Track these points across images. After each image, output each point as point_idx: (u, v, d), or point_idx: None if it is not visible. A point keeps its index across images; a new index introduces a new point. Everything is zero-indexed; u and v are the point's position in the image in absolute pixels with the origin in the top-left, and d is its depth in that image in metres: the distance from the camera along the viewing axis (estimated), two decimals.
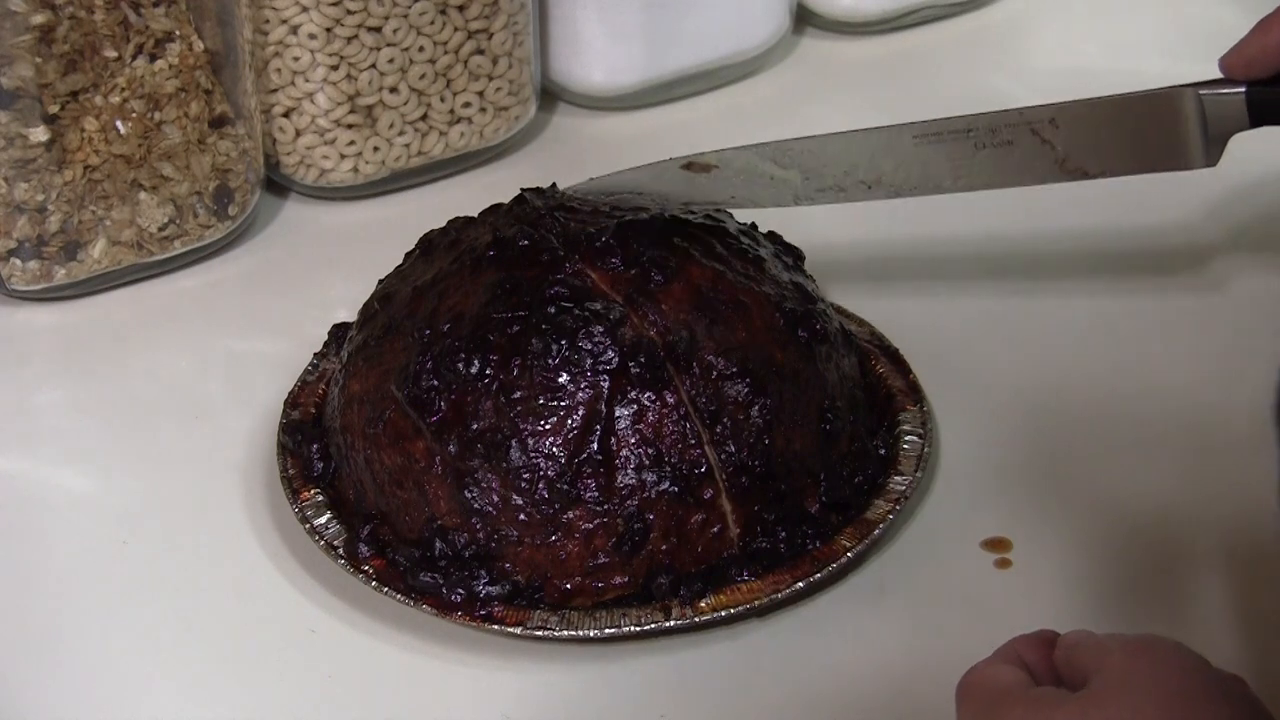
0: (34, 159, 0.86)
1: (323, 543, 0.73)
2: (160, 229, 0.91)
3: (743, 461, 0.70)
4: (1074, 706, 0.53)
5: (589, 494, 0.69)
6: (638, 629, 0.68)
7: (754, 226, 0.79)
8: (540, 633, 0.69)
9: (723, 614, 0.69)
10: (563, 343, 0.71)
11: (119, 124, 0.87)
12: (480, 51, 0.98)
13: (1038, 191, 0.98)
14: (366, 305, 0.78)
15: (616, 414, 0.70)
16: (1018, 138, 0.68)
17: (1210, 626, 0.70)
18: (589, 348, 0.71)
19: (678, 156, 0.71)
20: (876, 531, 0.72)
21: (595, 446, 0.70)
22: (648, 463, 0.70)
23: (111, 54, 0.86)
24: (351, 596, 0.72)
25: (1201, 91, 0.65)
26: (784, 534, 0.71)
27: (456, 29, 0.96)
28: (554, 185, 0.81)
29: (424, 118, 0.98)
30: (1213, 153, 0.66)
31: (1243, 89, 0.64)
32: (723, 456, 0.70)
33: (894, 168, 0.70)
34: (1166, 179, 0.69)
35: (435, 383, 0.71)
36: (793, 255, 0.80)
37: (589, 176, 0.82)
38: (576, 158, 1.04)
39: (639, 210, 0.77)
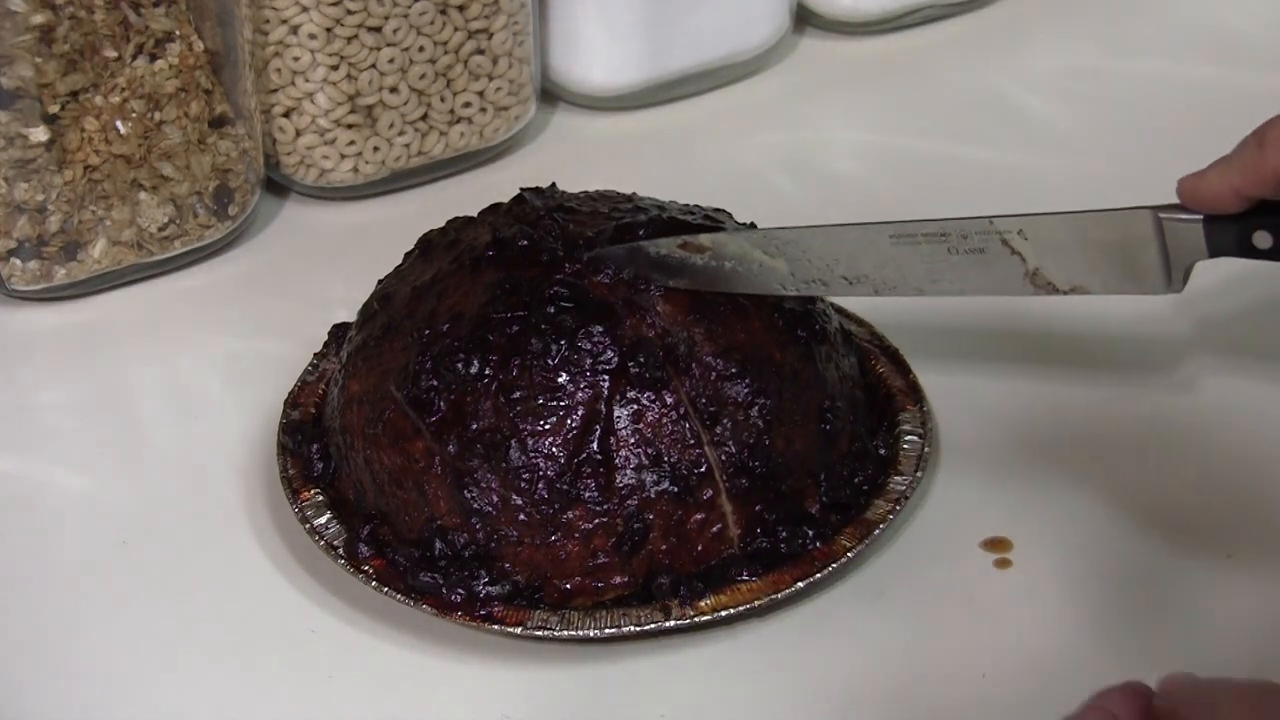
0: (34, 159, 0.86)
1: (323, 543, 0.73)
2: (160, 229, 0.91)
3: (743, 462, 0.70)
4: None
5: (589, 494, 0.69)
6: (638, 629, 0.68)
7: (753, 226, 0.79)
8: (540, 633, 0.69)
9: (723, 614, 0.69)
10: (562, 343, 0.71)
11: (119, 124, 0.88)
12: (480, 51, 0.98)
13: (1035, 189, 0.98)
14: (366, 305, 0.78)
15: (616, 414, 0.70)
16: (989, 246, 0.68)
17: (1210, 626, 0.70)
18: (588, 348, 0.71)
19: (675, 238, 0.72)
20: (876, 531, 0.72)
21: (595, 446, 0.70)
22: (647, 463, 0.70)
23: (111, 54, 0.86)
24: (351, 596, 0.72)
25: (1161, 215, 0.65)
26: (784, 534, 0.71)
27: (456, 29, 0.96)
28: (553, 185, 0.81)
29: (424, 118, 0.98)
30: (1175, 279, 0.65)
31: (1200, 218, 0.64)
32: (723, 457, 0.70)
33: (873, 267, 0.71)
34: None
35: (435, 383, 0.71)
36: None
37: (589, 177, 0.83)
38: (576, 158, 1.04)
39: (637, 212, 0.77)
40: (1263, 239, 0.63)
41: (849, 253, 0.71)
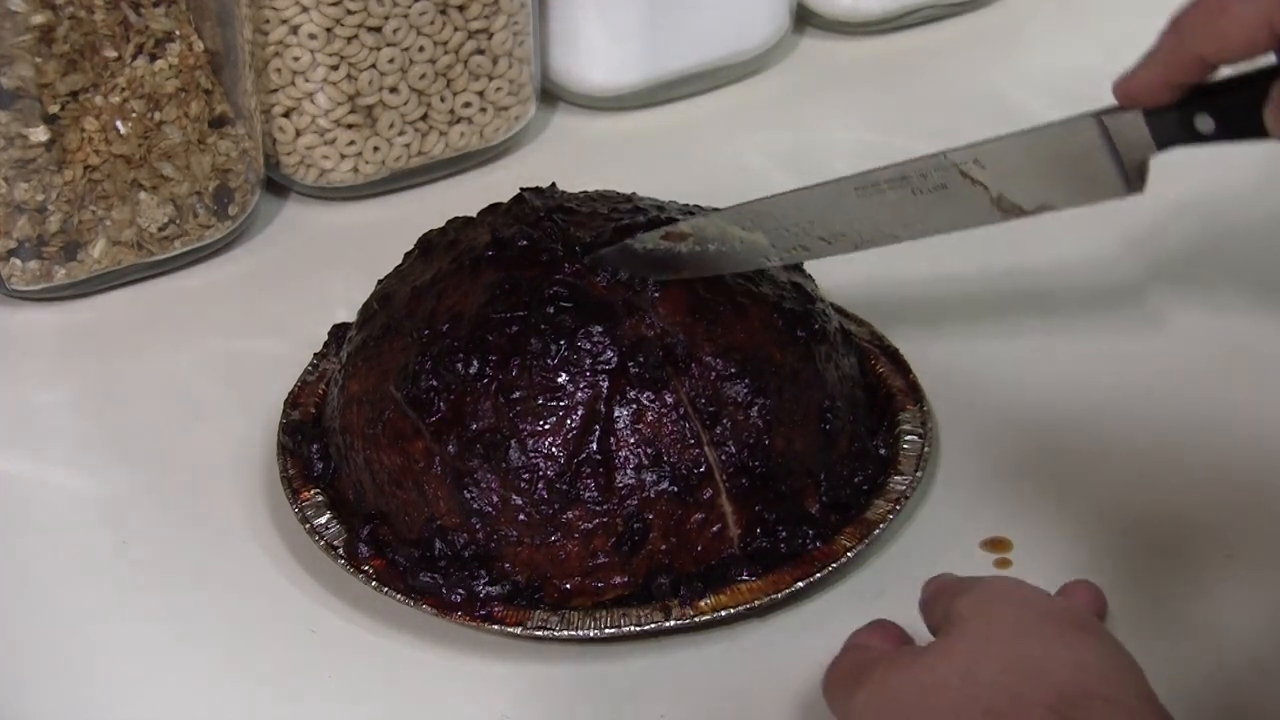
0: (34, 159, 0.86)
1: (323, 543, 0.73)
2: (160, 229, 0.91)
3: (743, 462, 0.70)
4: (929, 657, 0.57)
5: (588, 494, 0.69)
6: (638, 629, 0.68)
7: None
8: (540, 633, 0.69)
9: (723, 614, 0.69)
10: (562, 343, 0.71)
11: (119, 124, 0.88)
12: (480, 51, 0.98)
13: None
14: (365, 306, 0.78)
15: (616, 414, 0.70)
16: (949, 181, 0.68)
17: (1211, 626, 0.70)
18: (588, 348, 0.71)
19: (657, 230, 0.73)
20: (876, 531, 0.72)
21: (594, 446, 0.70)
22: (647, 462, 0.70)
23: (111, 54, 0.86)
24: (351, 596, 0.72)
25: (1104, 118, 0.65)
26: (784, 534, 0.71)
27: (457, 29, 0.96)
28: (553, 185, 0.81)
29: (424, 118, 0.98)
30: (1133, 178, 0.66)
31: (1139, 111, 0.65)
32: (723, 457, 0.70)
33: (846, 223, 0.71)
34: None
35: (434, 383, 0.71)
36: None
37: (589, 177, 0.83)
38: (576, 158, 1.04)
39: (637, 212, 0.77)
40: (1204, 123, 0.63)
41: (820, 213, 0.71)
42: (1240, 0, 0.60)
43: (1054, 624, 0.57)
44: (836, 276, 0.87)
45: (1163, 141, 0.65)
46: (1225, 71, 0.63)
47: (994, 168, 0.68)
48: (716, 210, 0.75)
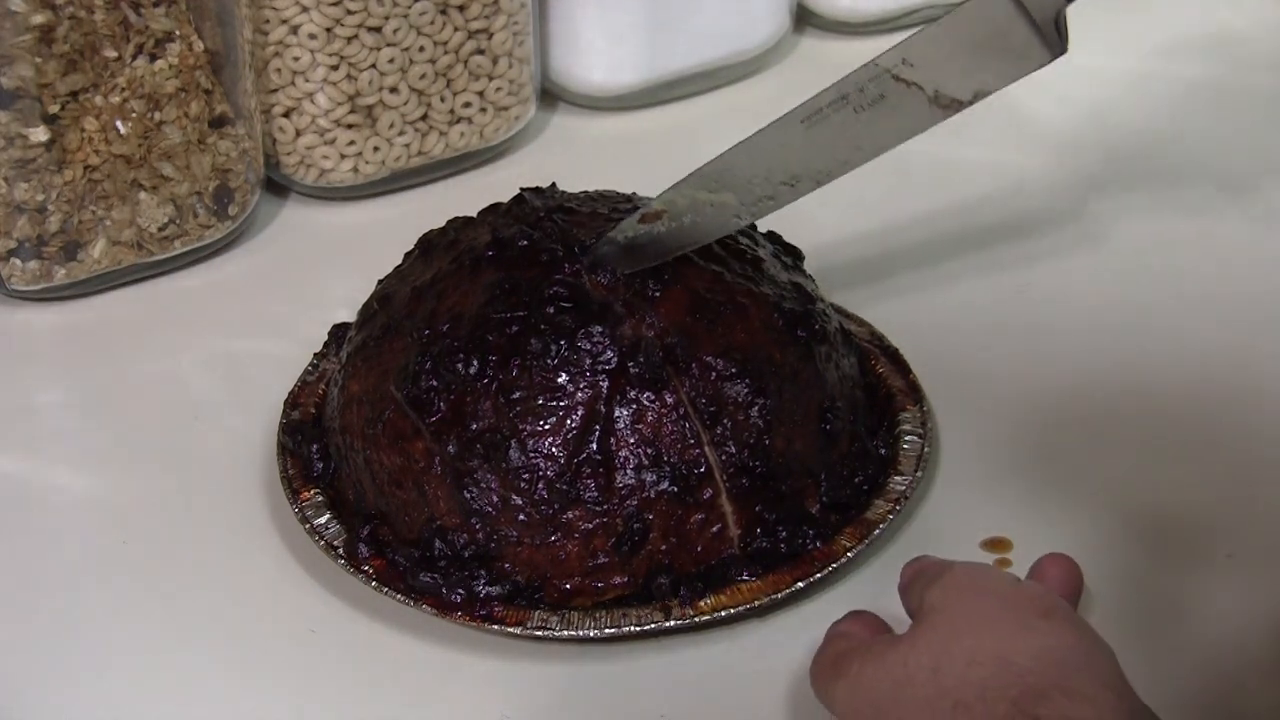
0: (34, 159, 0.86)
1: (323, 543, 0.73)
2: (160, 229, 0.91)
3: (743, 462, 0.70)
4: (900, 650, 0.58)
5: (588, 494, 0.69)
6: (638, 629, 0.68)
7: (753, 226, 0.79)
8: (540, 633, 0.69)
9: (723, 614, 0.69)
10: (562, 343, 0.71)
11: (119, 124, 0.87)
12: (480, 51, 0.98)
13: (1037, 190, 0.98)
14: (365, 306, 0.78)
15: (616, 414, 0.70)
16: (886, 89, 0.68)
17: (1211, 626, 0.70)
18: (588, 348, 0.71)
19: (633, 215, 0.73)
20: (876, 532, 0.72)
21: (594, 446, 0.70)
22: (647, 463, 0.70)
23: (111, 54, 0.86)
24: (351, 596, 0.72)
25: None
26: (784, 534, 0.71)
27: (456, 29, 0.96)
28: (553, 185, 0.81)
29: (424, 118, 0.98)
30: (1051, 39, 0.66)
31: None
32: (723, 457, 0.70)
33: (801, 162, 0.71)
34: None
35: (434, 383, 0.71)
36: (792, 255, 0.80)
37: (589, 177, 0.83)
38: (576, 158, 1.04)
39: (637, 212, 0.77)
40: None
41: (775, 157, 0.71)
42: None
43: (1019, 612, 0.58)
44: (836, 276, 0.87)
45: None
46: None
47: (923, 64, 0.68)
48: (682, 180, 0.75)
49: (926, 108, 0.68)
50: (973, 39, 0.66)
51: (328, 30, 0.93)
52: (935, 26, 0.67)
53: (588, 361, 0.70)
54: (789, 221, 0.81)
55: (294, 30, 0.93)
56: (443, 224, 0.80)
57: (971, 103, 0.68)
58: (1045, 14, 0.65)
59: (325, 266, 0.95)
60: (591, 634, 0.68)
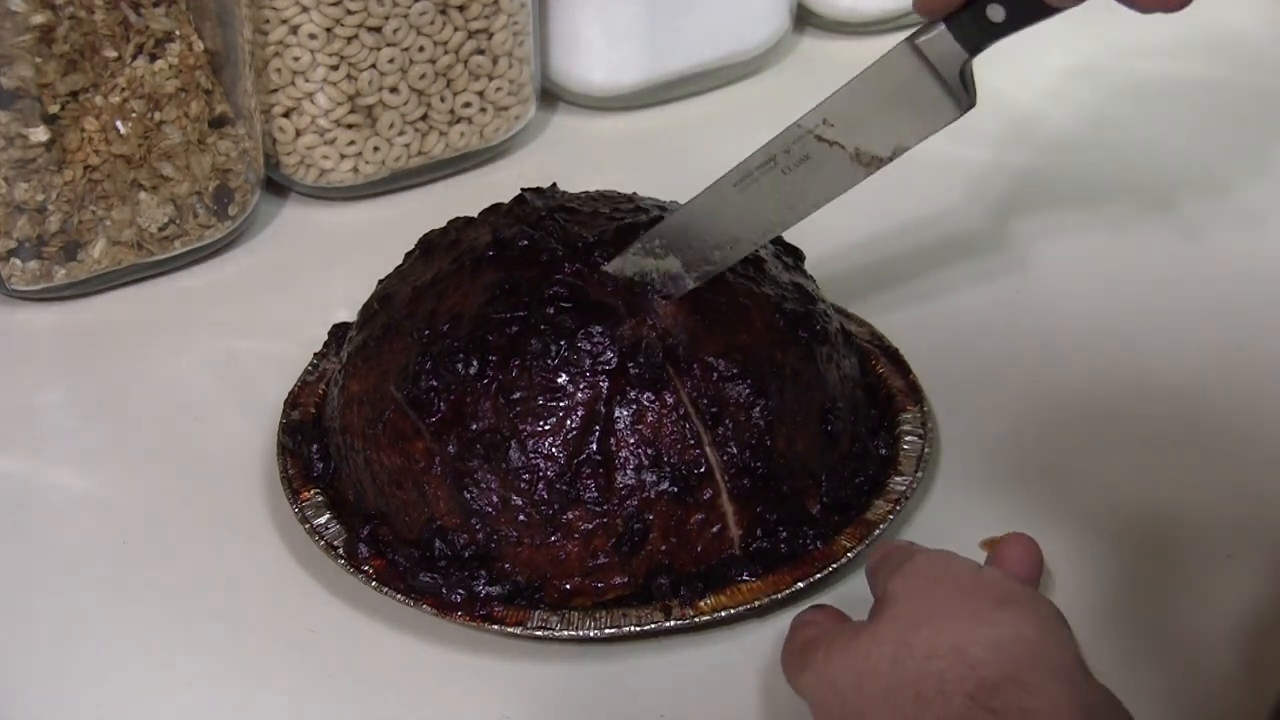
0: (34, 159, 0.86)
1: (323, 543, 0.73)
2: (160, 229, 0.91)
3: (745, 463, 0.70)
4: (865, 636, 0.61)
5: (588, 494, 0.69)
6: (638, 629, 0.68)
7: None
8: (540, 633, 0.69)
9: (723, 614, 0.69)
10: (562, 343, 0.71)
11: (119, 124, 0.87)
12: (480, 51, 0.98)
13: (1035, 189, 0.98)
14: (366, 306, 0.78)
15: (616, 414, 0.70)
16: (811, 150, 0.70)
17: (1211, 625, 0.70)
18: (588, 348, 0.71)
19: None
20: (877, 532, 0.72)
21: (595, 447, 0.70)
22: (647, 463, 0.70)
23: (111, 54, 0.86)
24: (351, 596, 0.72)
25: (916, 41, 0.67)
26: (785, 534, 0.71)
27: (457, 29, 0.96)
28: (554, 185, 0.81)
29: (424, 118, 0.98)
30: (958, 93, 0.67)
31: (942, 26, 0.66)
32: (724, 458, 0.70)
33: (736, 223, 0.72)
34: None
35: (434, 383, 0.71)
36: (793, 256, 0.80)
37: (589, 177, 0.83)
38: (576, 158, 1.04)
39: (638, 212, 0.77)
40: (995, 12, 0.65)
41: (710, 221, 0.72)
42: None
43: (978, 602, 0.60)
44: (837, 277, 0.87)
45: (970, 45, 0.66)
46: None
47: (842, 123, 0.69)
48: (629, 249, 0.75)
49: (849, 166, 0.70)
50: (885, 97, 0.68)
51: (328, 30, 0.93)
52: (850, 85, 0.69)
53: (588, 362, 0.70)
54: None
55: (294, 30, 0.93)
56: (443, 224, 0.80)
57: (892, 159, 0.69)
58: (950, 69, 0.67)
59: (325, 266, 0.95)
60: (591, 634, 0.68)
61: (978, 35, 0.66)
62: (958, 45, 0.66)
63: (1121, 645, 0.69)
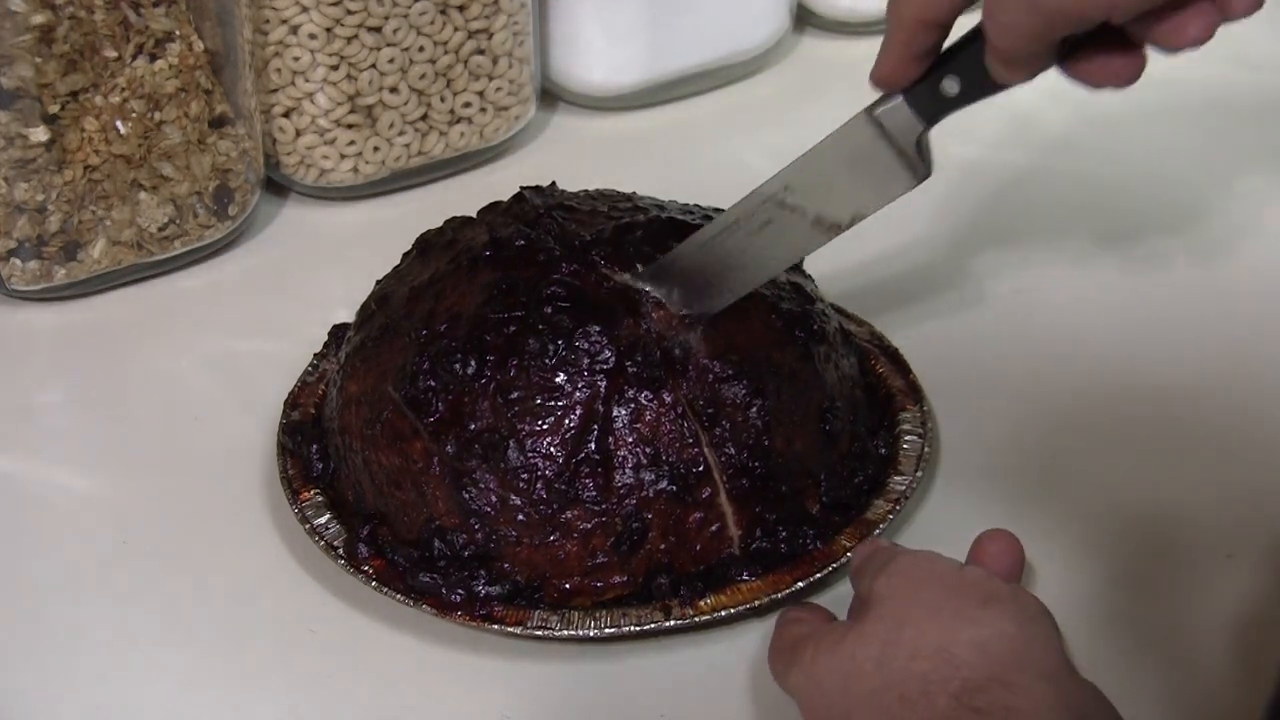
0: (34, 159, 0.86)
1: (323, 543, 0.73)
2: (160, 229, 0.91)
3: (743, 463, 0.70)
4: (849, 642, 0.61)
5: (587, 494, 0.69)
6: (638, 629, 0.68)
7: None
8: (540, 632, 0.69)
9: (723, 614, 0.69)
10: (559, 343, 0.71)
11: (119, 124, 0.88)
12: (480, 51, 0.98)
13: (1035, 190, 0.98)
14: (364, 306, 0.78)
15: (614, 413, 0.70)
16: (772, 215, 0.71)
17: (1211, 625, 0.70)
18: (586, 347, 0.71)
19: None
20: (876, 532, 0.72)
21: (593, 446, 0.69)
22: (645, 462, 0.70)
23: (111, 54, 0.86)
24: (351, 596, 0.72)
25: (874, 111, 0.68)
26: (784, 534, 0.71)
27: (457, 29, 0.96)
28: (553, 184, 0.81)
29: (424, 118, 0.98)
30: (914, 163, 0.68)
31: (899, 97, 0.67)
32: (723, 458, 0.70)
33: (705, 284, 0.73)
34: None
35: (432, 383, 0.71)
36: None
37: (589, 177, 0.83)
38: (576, 158, 1.04)
39: (637, 211, 0.77)
40: (951, 85, 0.66)
41: (681, 281, 0.73)
42: None
43: (961, 602, 0.61)
44: (836, 277, 0.87)
45: (927, 117, 0.67)
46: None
47: (802, 190, 0.70)
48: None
49: (810, 231, 0.71)
50: (844, 165, 0.69)
51: (328, 30, 0.93)
52: (811, 153, 0.70)
53: (585, 361, 0.70)
54: None
55: (294, 30, 0.93)
56: (441, 224, 0.80)
57: (851, 224, 0.70)
58: (907, 140, 0.68)
59: (325, 266, 0.95)
60: (591, 634, 0.68)
61: (933, 107, 0.67)
62: (914, 117, 0.67)
63: (1121, 645, 0.69)
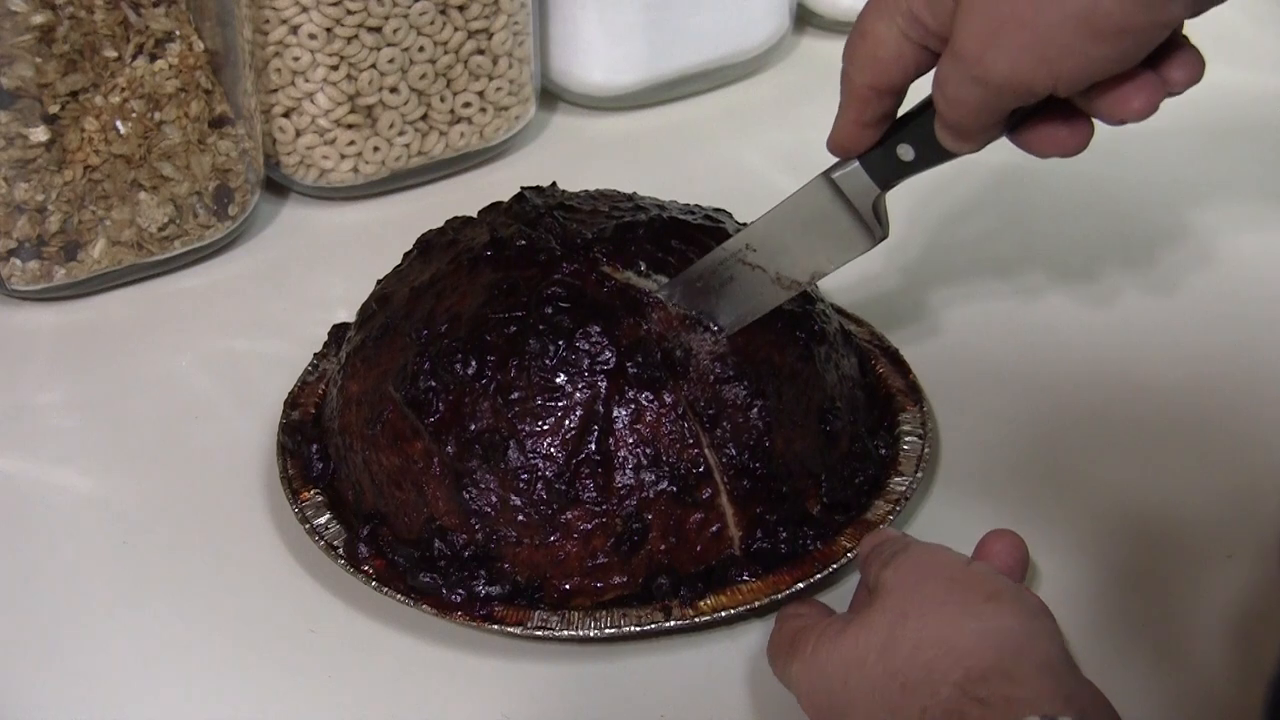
0: (34, 159, 0.86)
1: (323, 543, 0.73)
2: (160, 229, 0.91)
3: (744, 464, 0.70)
4: (851, 633, 0.62)
5: (587, 494, 0.69)
6: (638, 629, 0.68)
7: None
8: (540, 633, 0.69)
9: (723, 614, 0.69)
10: (560, 343, 0.71)
11: (119, 124, 0.87)
12: (480, 51, 0.98)
13: (1035, 191, 0.98)
14: (364, 306, 0.78)
15: (614, 414, 0.70)
16: (735, 272, 0.72)
17: (1210, 626, 0.70)
18: (586, 348, 0.71)
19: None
20: None
21: (593, 447, 0.69)
22: (645, 462, 0.70)
23: (111, 54, 0.86)
24: (351, 596, 0.72)
25: (832, 175, 0.69)
26: (785, 535, 0.71)
27: (457, 29, 0.96)
28: (554, 184, 0.81)
29: (424, 118, 0.98)
30: (871, 225, 0.70)
31: (856, 162, 0.68)
32: (724, 459, 0.70)
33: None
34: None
35: (433, 383, 0.71)
36: None
37: (589, 177, 0.82)
38: (576, 158, 1.04)
39: (637, 211, 0.77)
40: (905, 152, 0.67)
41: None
42: (874, 19, 0.64)
43: (967, 595, 0.61)
44: (836, 277, 0.87)
45: (883, 181, 0.68)
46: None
47: (764, 249, 0.72)
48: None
49: (771, 287, 0.72)
50: (804, 225, 0.70)
51: (328, 30, 0.93)
52: (772, 213, 0.71)
53: (586, 362, 0.70)
54: None
55: (294, 30, 0.93)
56: (443, 224, 0.80)
57: (811, 283, 0.72)
58: (864, 203, 0.69)
59: (325, 266, 0.95)
60: (591, 634, 0.68)
61: (889, 172, 0.68)
62: (870, 181, 0.68)
63: (1121, 644, 0.69)
